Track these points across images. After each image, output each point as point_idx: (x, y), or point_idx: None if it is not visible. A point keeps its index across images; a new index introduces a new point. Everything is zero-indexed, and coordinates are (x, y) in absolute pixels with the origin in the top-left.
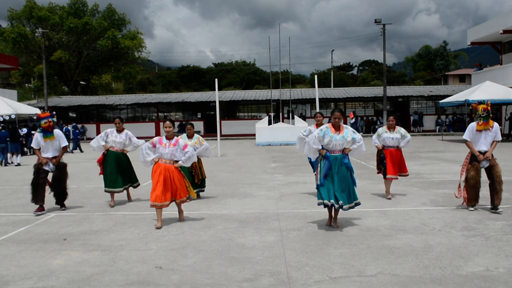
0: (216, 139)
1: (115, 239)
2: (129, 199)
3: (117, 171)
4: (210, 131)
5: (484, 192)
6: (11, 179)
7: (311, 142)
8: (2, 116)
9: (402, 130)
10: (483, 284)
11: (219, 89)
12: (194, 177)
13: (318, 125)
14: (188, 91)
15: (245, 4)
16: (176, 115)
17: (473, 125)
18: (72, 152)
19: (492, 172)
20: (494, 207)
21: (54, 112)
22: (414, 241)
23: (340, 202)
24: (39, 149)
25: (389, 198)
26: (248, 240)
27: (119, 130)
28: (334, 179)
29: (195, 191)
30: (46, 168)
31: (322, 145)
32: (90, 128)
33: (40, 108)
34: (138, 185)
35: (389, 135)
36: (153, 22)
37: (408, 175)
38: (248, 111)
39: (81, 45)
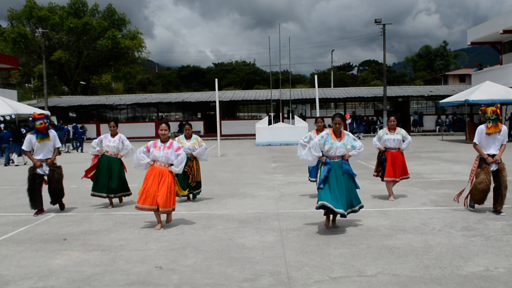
0: (216, 139)
1: (115, 239)
2: (111, 204)
3: (105, 177)
4: (210, 131)
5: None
6: (11, 179)
7: (313, 150)
8: (3, 116)
9: (403, 132)
10: (483, 284)
11: (219, 89)
12: (189, 177)
13: (319, 130)
14: (188, 91)
15: (245, 4)
16: (176, 115)
17: (482, 128)
18: (78, 151)
19: (499, 176)
20: (496, 211)
21: (49, 114)
22: (414, 241)
23: (340, 210)
24: (31, 152)
25: (393, 200)
26: (248, 240)
27: (113, 134)
28: (335, 184)
29: (189, 193)
30: (40, 172)
31: (322, 152)
32: (90, 128)
33: (40, 108)
34: (129, 194)
35: (390, 136)
36: (153, 22)
37: (409, 177)
38: (248, 111)
39: (81, 45)
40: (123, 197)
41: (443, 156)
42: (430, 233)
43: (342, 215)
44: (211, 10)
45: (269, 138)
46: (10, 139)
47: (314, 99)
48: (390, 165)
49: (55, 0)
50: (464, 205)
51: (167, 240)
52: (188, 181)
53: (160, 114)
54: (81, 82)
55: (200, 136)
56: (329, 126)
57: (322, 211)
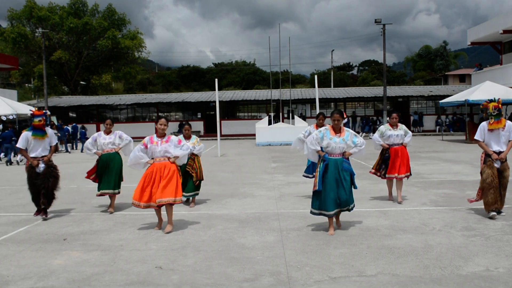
0: (216, 139)
1: (115, 239)
2: (112, 206)
3: (106, 173)
4: (210, 131)
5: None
6: (11, 179)
7: (309, 143)
8: (6, 116)
9: (404, 127)
10: (483, 284)
11: (219, 89)
12: (193, 176)
13: (319, 126)
14: (188, 91)
15: (245, 4)
16: (176, 115)
17: (484, 125)
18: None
19: (501, 176)
20: (496, 210)
21: (47, 112)
22: (414, 241)
23: (348, 206)
24: (26, 150)
25: (399, 202)
26: (248, 240)
27: (108, 132)
28: (333, 183)
29: (190, 194)
30: (38, 170)
31: (321, 147)
32: (90, 128)
33: (40, 108)
34: (118, 193)
35: (394, 132)
36: (153, 22)
37: (410, 175)
38: (248, 111)
39: (81, 45)
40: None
41: (443, 156)
42: (430, 233)
43: (349, 210)
44: (211, 10)
45: (269, 138)
46: (13, 138)
47: (314, 99)
48: (393, 162)
49: (55, 0)
50: (473, 201)
51: (167, 240)
52: (193, 181)
53: (160, 114)
54: (81, 82)
55: (200, 136)
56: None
57: (316, 215)
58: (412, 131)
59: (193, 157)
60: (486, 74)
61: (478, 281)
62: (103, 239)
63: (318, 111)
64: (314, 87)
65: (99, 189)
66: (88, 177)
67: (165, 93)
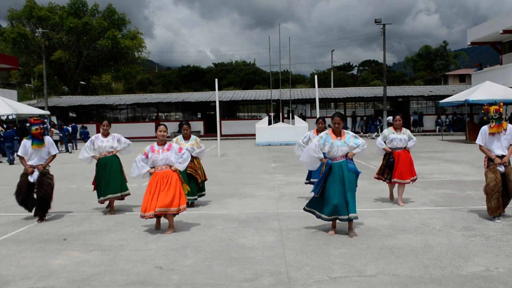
0: (216, 139)
1: (115, 239)
2: (111, 209)
3: (106, 178)
4: (210, 131)
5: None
6: (11, 179)
7: (312, 151)
8: (7, 116)
9: (408, 132)
10: (483, 284)
11: (219, 89)
12: (197, 178)
13: (319, 131)
14: (188, 91)
15: (245, 4)
16: (176, 115)
17: (485, 129)
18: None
19: (506, 180)
20: (500, 214)
21: (46, 120)
22: (414, 241)
23: (351, 214)
24: (24, 157)
25: (392, 200)
26: (248, 240)
27: (105, 134)
28: (339, 187)
29: (195, 197)
30: (31, 179)
31: (324, 153)
32: (90, 128)
33: (40, 108)
34: (128, 194)
35: (397, 136)
36: (153, 22)
37: (416, 179)
38: (248, 111)
39: (81, 45)
40: (124, 197)
41: (443, 156)
42: (430, 233)
43: (351, 219)
44: (211, 10)
45: (269, 138)
46: (15, 138)
47: (314, 99)
48: (399, 166)
49: (55, 0)
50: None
51: (167, 240)
52: (198, 182)
53: (160, 114)
54: (81, 82)
55: (200, 136)
56: (329, 126)
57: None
58: (412, 131)
59: (192, 158)
60: (486, 74)
61: (478, 281)
62: (103, 239)
63: (318, 111)
64: (314, 87)
65: (100, 195)
66: (94, 186)
67: (165, 93)
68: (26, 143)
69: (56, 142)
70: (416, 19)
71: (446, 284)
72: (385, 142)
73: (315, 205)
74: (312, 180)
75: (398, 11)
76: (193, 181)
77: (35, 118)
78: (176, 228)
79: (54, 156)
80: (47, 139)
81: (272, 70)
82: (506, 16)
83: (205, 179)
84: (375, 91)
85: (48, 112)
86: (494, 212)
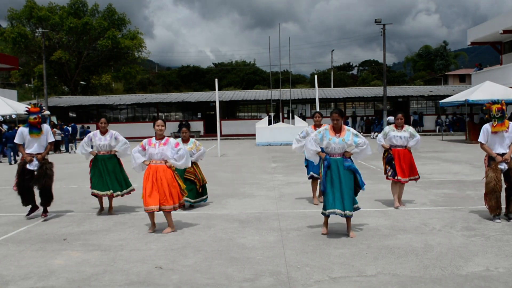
0: (216, 139)
1: (115, 239)
2: (110, 208)
3: (103, 175)
4: (210, 131)
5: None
6: (11, 179)
7: (309, 145)
8: (3, 116)
9: (411, 129)
10: (483, 284)
11: (219, 89)
12: (196, 183)
13: (316, 125)
14: (188, 91)
15: (244, 4)
16: (176, 115)
17: (487, 127)
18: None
19: (509, 176)
20: (508, 214)
21: (44, 107)
22: (414, 241)
23: (346, 211)
24: (23, 145)
25: (397, 207)
26: (248, 240)
27: (103, 132)
28: (336, 183)
29: (198, 200)
30: (30, 167)
31: (322, 148)
32: (90, 128)
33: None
34: (132, 190)
35: (397, 133)
36: (153, 22)
37: (419, 177)
38: (248, 111)
39: (81, 45)
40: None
41: (443, 156)
42: (430, 233)
43: (346, 216)
44: (211, 10)
45: (269, 138)
46: None
47: (314, 99)
48: (398, 165)
49: (55, 0)
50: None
51: (167, 240)
52: (197, 188)
53: (160, 114)
54: (81, 82)
55: (200, 136)
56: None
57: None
58: None
59: (191, 164)
60: (486, 74)
61: (478, 281)
62: (103, 239)
63: (317, 110)
64: (314, 87)
65: (95, 188)
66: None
67: (165, 93)
68: (23, 130)
69: (58, 142)
70: (416, 19)
71: (446, 284)
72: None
73: (325, 206)
74: (311, 173)
75: (398, 11)
76: (193, 185)
77: (34, 106)
78: (176, 228)
79: (52, 144)
80: (45, 127)
81: (272, 70)
82: (506, 16)
83: (205, 183)
84: (375, 91)
85: (48, 112)
86: (494, 211)
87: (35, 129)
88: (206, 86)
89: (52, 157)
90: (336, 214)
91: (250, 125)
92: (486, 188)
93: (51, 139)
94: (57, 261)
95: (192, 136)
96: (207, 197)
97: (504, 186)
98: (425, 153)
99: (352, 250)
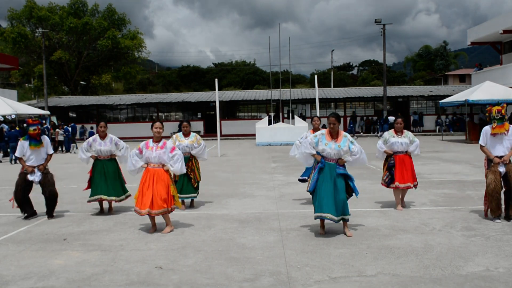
0: (216, 139)
1: (115, 239)
2: (110, 209)
3: (102, 179)
4: (210, 131)
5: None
6: (11, 179)
7: (303, 147)
8: (3, 116)
9: (410, 135)
10: (483, 284)
11: (219, 89)
12: (191, 179)
13: (315, 129)
14: (188, 91)
15: (244, 4)
16: (176, 115)
17: (487, 129)
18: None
19: (508, 178)
20: (507, 216)
21: (43, 121)
22: (414, 241)
23: (339, 217)
24: (22, 158)
25: (401, 209)
26: (248, 240)
27: (103, 136)
28: (329, 188)
29: (186, 196)
30: (30, 178)
31: (317, 152)
32: (94, 128)
33: (40, 108)
34: (128, 195)
35: (398, 139)
36: (153, 22)
37: (416, 184)
38: (248, 111)
39: (81, 45)
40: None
41: (443, 156)
42: (430, 233)
43: (332, 220)
44: (211, 10)
45: (269, 138)
46: (19, 138)
47: (314, 99)
48: (398, 171)
49: (55, 0)
50: (486, 214)
51: (167, 240)
52: (192, 184)
53: (160, 114)
54: (81, 82)
55: (200, 136)
56: (324, 126)
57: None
58: (412, 131)
59: (191, 157)
60: (486, 74)
61: (478, 281)
62: (103, 239)
63: (318, 111)
64: (314, 87)
65: (97, 193)
66: (88, 188)
67: (165, 93)
68: (23, 143)
69: (61, 142)
70: (416, 19)
71: (446, 284)
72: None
73: (317, 209)
74: (301, 178)
75: (398, 11)
76: (188, 180)
77: (33, 119)
78: (176, 228)
79: (51, 155)
80: (45, 139)
81: (272, 70)
82: (506, 16)
83: (199, 180)
84: (375, 91)
85: (48, 112)
86: (495, 212)
87: (34, 141)
88: (206, 86)
89: (52, 157)
90: (327, 219)
91: (250, 125)
92: (486, 191)
93: (51, 151)
94: (57, 261)
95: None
96: (196, 196)
97: (503, 189)
98: (425, 153)
99: (352, 250)
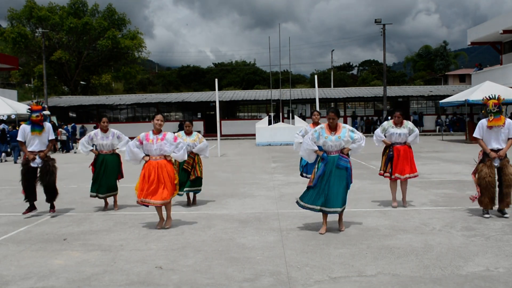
0: (216, 139)
1: (115, 239)
2: (115, 205)
3: (103, 176)
4: (210, 131)
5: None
6: (11, 179)
7: (305, 144)
8: (3, 116)
9: (410, 125)
10: (483, 284)
11: (219, 89)
12: (188, 173)
13: (315, 123)
14: (188, 91)
15: (244, 4)
16: (176, 115)
17: (483, 122)
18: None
19: (501, 173)
20: (500, 210)
21: (46, 106)
22: (414, 241)
23: (334, 209)
24: (25, 142)
25: (395, 207)
26: (248, 240)
27: (105, 130)
28: (329, 181)
29: (189, 189)
30: (33, 165)
31: (319, 146)
32: (90, 128)
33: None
34: (115, 194)
35: (396, 130)
36: (153, 22)
37: (417, 175)
38: (248, 111)
39: (81, 45)
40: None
41: (443, 156)
42: (430, 233)
43: (331, 212)
44: (211, 10)
45: (269, 138)
46: None
47: (314, 99)
48: (399, 161)
49: (55, 0)
50: (475, 200)
51: (167, 240)
52: (190, 177)
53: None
54: (81, 82)
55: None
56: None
57: (305, 209)
58: None
59: (192, 155)
60: (486, 74)
61: (478, 281)
62: (103, 239)
63: (317, 109)
64: (314, 87)
65: (95, 191)
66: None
67: (165, 93)
68: (25, 128)
69: (63, 142)
70: (416, 19)
71: (446, 284)
72: (385, 135)
73: (308, 198)
74: (304, 174)
75: (398, 11)
76: (186, 174)
77: (36, 104)
78: (176, 228)
79: (52, 141)
80: (47, 125)
81: (272, 70)
82: (506, 16)
83: (200, 176)
84: (375, 91)
85: (48, 112)
86: (488, 206)
87: (37, 126)
88: (206, 86)
89: (53, 157)
90: (316, 211)
91: (250, 125)
92: (480, 182)
93: (52, 136)
94: (57, 261)
95: None
96: (200, 189)
97: (497, 183)
98: (425, 153)
99: (352, 250)
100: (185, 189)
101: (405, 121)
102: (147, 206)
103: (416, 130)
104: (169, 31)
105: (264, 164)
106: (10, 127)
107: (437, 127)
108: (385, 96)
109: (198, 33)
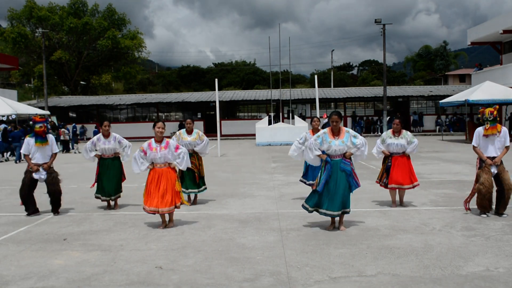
0: (216, 139)
1: (115, 239)
2: (115, 206)
3: (106, 179)
4: (210, 131)
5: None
6: (11, 179)
7: (309, 150)
8: (2, 116)
9: (409, 135)
10: (483, 284)
11: (219, 89)
12: (195, 175)
13: (314, 130)
14: (188, 91)
15: (244, 4)
16: (176, 115)
17: (480, 130)
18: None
19: (500, 179)
20: (498, 213)
21: (50, 119)
22: (414, 241)
23: (334, 211)
24: (29, 155)
25: (395, 207)
26: (248, 240)
27: (106, 135)
28: (331, 184)
29: (196, 191)
30: (36, 176)
31: (323, 151)
32: (90, 128)
33: (40, 108)
34: (119, 197)
35: (394, 140)
36: (153, 22)
37: (418, 184)
38: (248, 111)
39: (81, 45)
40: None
41: (443, 156)
42: (430, 233)
43: (333, 215)
44: (211, 10)
45: (269, 138)
46: (22, 138)
47: (314, 99)
48: (394, 172)
49: (55, 0)
50: (466, 207)
51: (167, 240)
52: (196, 180)
53: (160, 114)
54: (81, 82)
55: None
56: (324, 126)
57: (306, 210)
58: (412, 131)
59: (194, 154)
60: (486, 74)
61: (478, 281)
62: (103, 239)
63: (318, 111)
64: (314, 87)
65: (100, 193)
66: (94, 185)
67: (165, 93)
68: (29, 141)
69: (66, 142)
70: (416, 19)
71: (446, 284)
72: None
73: (316, 202)
74: (303, 179)
75: (398, 11)
76: (193, 175)
77: (40, 117)
78: (176, 228)
79: (56, 154)
80: (50, 137)
81: (272, 70)
82: (506, 16)
83: (202, 176)
84: (375, 91)
85: (48, 112)
86: (486, 209)
87: (40, 138)
88: (206, 86)
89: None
90: (322, 214)
91: (250, 125)
92: (478, 191)
93: (56, 149)
94: (57, 261)
95: None
96: (205, 188)
97: (495, 188)
98: (425, 153)
99: (352, 250)
100: (186, 191)
101: (403, 131)
102: (154, 214)
103: (415, 141)
104: (169, 31)
105: (264, 164)
106: (10, 127)
107: (437, 127)
108: (385, 96)
109: (198, 33)
